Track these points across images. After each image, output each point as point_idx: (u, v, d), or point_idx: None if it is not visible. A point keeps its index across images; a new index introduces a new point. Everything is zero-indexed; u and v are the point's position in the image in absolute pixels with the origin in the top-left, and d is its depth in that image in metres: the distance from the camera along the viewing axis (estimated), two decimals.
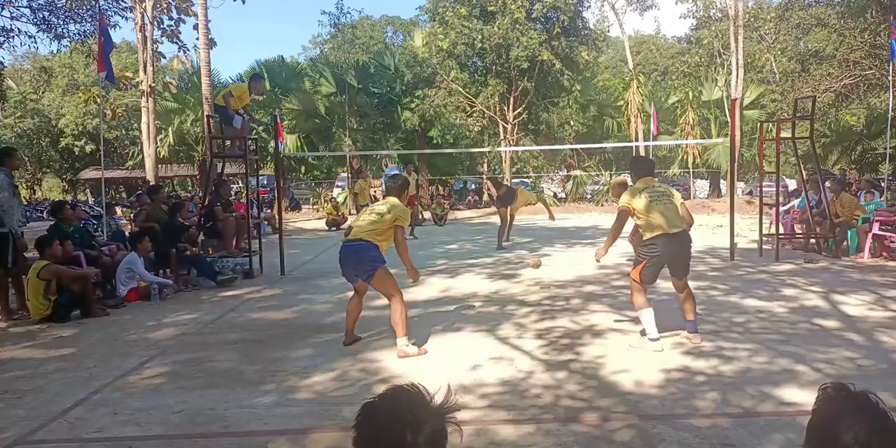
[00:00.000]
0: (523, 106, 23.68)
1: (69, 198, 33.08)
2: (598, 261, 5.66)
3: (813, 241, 10.89)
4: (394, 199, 5.36)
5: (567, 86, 23.52)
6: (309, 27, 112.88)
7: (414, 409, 1.26)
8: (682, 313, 5.38)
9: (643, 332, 5.22)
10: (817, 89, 19.87)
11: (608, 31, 26.34)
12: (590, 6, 29.26)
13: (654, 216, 5.14)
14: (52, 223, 8.83)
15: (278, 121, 14.59)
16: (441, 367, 4.79)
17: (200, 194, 15.31)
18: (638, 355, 4.96)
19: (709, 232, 14.71)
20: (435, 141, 26.26)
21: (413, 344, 5.17)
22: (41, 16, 15.21)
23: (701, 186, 30.62)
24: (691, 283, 7.98)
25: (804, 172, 11.97)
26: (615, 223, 5.35)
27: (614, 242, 5.40)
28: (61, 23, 15.60)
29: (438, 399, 1.30)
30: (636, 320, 6.07)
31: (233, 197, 16.54)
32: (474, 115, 23.93)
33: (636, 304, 5.22)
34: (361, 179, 15.37)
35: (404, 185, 5.59)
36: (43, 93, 40.59)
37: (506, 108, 23.81)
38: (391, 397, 1.31)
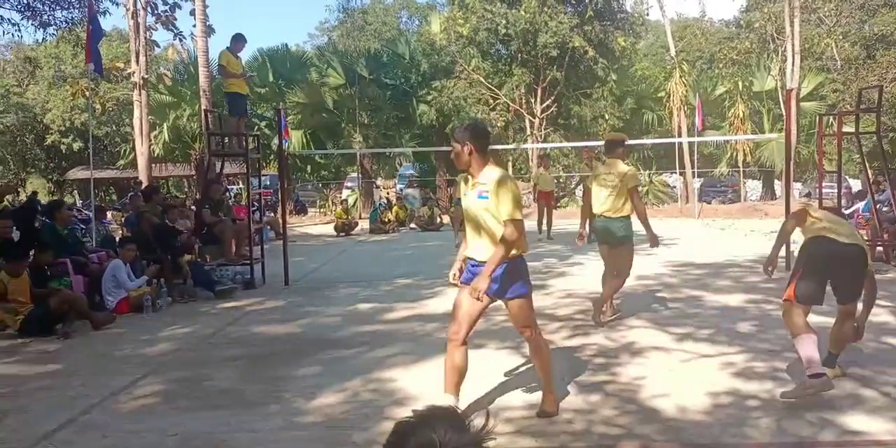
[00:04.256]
0: (552, 98, 23.62)
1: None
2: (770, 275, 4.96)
3: (880, 248, 10.72)
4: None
5: (601, 75, 23.40)
6: (316, 12, 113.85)
7: (448, 432, 1.29)
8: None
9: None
10: (884, 78, 19.64)
11: (647, 15, 26.25)
12: None
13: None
14: (45, 223, 8.90)
15: (282, 115, 14.70)
16: (461, 387, 4.77)
17: (197, 196, 15.45)
18: (681, 377, 4.91)
19: (762, 238, 14.53)
20: None
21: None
22: (25, 2, 15.44)
23: (753, 187, 30.31)
24: (743, 296, 7.96)
25: (870, 172, 11.80)
26: (788, 225, 5.05)
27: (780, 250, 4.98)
28: (47, 9, 15.83)
29: (476, 423, 1.33)
30: (681, 338, 6.03)
31: (232, 200, 16.68)
32: (498, 108, 23.90)
33: (791, 330, 4.39)
34: (545, 170, 15.77)
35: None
36: (27, 85, 41.25)
37: (533, 101, 23.78)
38: (425, 417, 1.34)
